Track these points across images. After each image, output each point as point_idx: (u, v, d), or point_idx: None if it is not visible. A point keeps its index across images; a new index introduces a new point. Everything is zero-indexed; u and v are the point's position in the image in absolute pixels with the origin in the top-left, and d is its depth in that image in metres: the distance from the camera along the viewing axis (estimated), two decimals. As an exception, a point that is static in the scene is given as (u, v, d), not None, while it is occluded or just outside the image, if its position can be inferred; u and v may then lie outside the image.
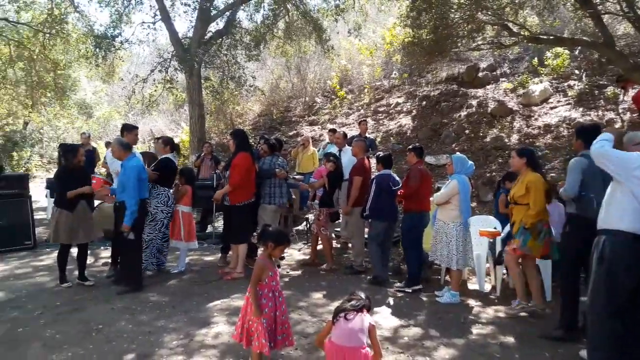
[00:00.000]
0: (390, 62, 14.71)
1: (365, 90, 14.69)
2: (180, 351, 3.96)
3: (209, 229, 8.95)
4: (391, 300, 5.43)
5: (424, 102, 12.56)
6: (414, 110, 12.57)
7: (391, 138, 11.71)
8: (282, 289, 3.66)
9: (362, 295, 3.42)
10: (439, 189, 6.57)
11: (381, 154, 6.44)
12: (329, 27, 13.56)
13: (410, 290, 5.70)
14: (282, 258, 7.13)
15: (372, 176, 6.44)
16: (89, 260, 6.40)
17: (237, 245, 6.31)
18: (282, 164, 6.67)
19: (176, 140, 16.48)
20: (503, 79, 12.65)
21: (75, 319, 4.66)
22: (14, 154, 19.90)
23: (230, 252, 6.67)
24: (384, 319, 4.78)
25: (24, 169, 19.16)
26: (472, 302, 5.42)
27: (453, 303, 5.33)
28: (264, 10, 13.18)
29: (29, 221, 7.75)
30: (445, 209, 5.52)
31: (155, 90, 13.86)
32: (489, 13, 9.17)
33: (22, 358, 3.81)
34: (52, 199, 10.09)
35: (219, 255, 7.02)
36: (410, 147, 6.28)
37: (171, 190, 6.37)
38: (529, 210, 4.78)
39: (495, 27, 9.88)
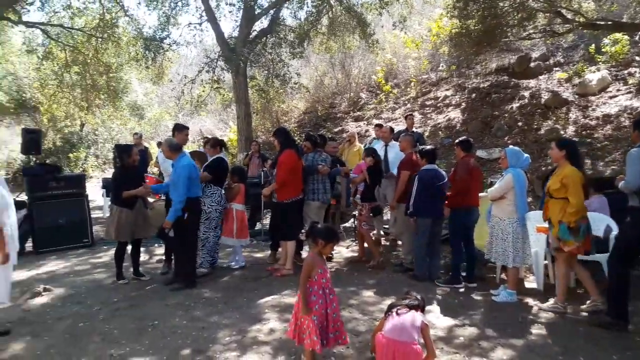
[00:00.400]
0: (437, 54, 14.39)
1: (412, 83, 14.44)
2: (233, 347, 3.99)
3: (258, 226, 9.03)
4: (445, 299, 5.28)
5: (474, 95, 12.21)
6: (463, 103, 12.26)
7: (440, 132, 11.46)
8: (334, 287, 3.62)
9: (418, 295, 3.38)
10: (492, 183, 6.36)
11: (425, 147, 6.24)
12: (373, 21, 13.38)
13: (448, 288, 5.59)
14: (331, 258, 7.07)
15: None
16: (144, 257, 6.58)
17: (286, 242, 6.33)
18: (324, 159, 6.62)
19: (224, 139, 16.84)
20: (557, 69, 12.14)
21: (131, 315, 4.79)
22: (71, 155, 20.78)
23: (279, 249, 6.70)
24: (437, 318, 4.66)
25: (80, 169, 19.98)
26: (530, 300, 5.20)
27: (510, 302, 5.14)
28: (308, 7, 13.18)
29: (86, 220, 8.04)
30: (500, 205, 5.30)
31: (204, 91, 14.12)
32: (541, 0, 8.80)
33: (83, 352, 3.94)
34: (108, 198, 10.53)
35: (269, 252, 7.06)
36: (457, 140, 6.10)
37: (223, 190, 6.44)
38: (568, 207, 4.59)
39: (548, 14, 9.49)
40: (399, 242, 7.44)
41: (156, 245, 7.71)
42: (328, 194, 6.64)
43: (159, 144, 11.23)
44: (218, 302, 5.14)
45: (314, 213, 6.44)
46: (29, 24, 14.46)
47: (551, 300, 4.92)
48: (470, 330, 4.37)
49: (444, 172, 6.14)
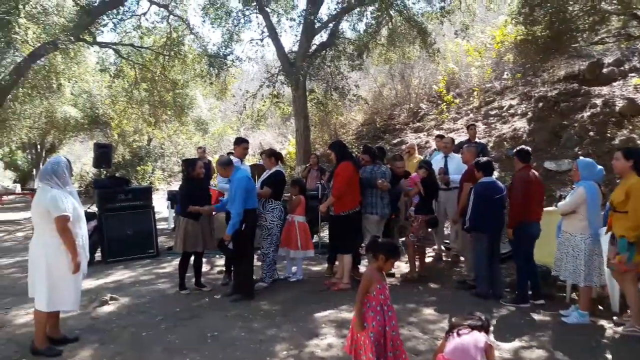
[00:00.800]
0: (502, 62, 13.91)
1: (475, 93, 14.03)
2: (290, 361, 3.96)
3: (315, 238, 8.99)
4: (510, 319, 5.01)
5: (541, 104, 11.67)
6: (529, 113, 11.74)
7: (505, 143, 11.02)
8: (392, 304, 3.50)
9: (482, 315, 3.21)
10: (561, 197, 6.01)
11: (481, 159, 5.93)
12: (434, 30, 13.15)
13: (513, 307, 5.31)
14: (393, 274, 6.91)
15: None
16: (205, 268, 6.71)
17: (342, 255, 6.25)
18: (384, 173, 6.46)
19: (283, 153, 17.06)
20: (632, 74, 11.38)
21: (192, 325, 4.86)
22: (139, 168, 21.78)
23: (336, 262, 6.62)
24: (502, 338, 4.41)
25: (147, 182, 20.86)
26: (604, 323, 4.83)
27: (582, 324, 4.78)
28: (367, 19, 13.17)
29: (152, 231, 8.32)
30: (571, 220, 4.96)
31: (264, 105, 14.39)
32: (614, 2, 8.32)
33: (147, 360, 4.04)
34: (173, 210, 10.90)
35: (326, 265, 7.00)
36: (514, 150, 5.80)
37: (282, 204, 6.40)
38: (627, 221, 4.28)
39: (622, 16, 8.95)
40: (462, 258, 7.17)
41: (217, 256, 7.84)
42: (387, 208, 6.46)
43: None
44: (276, 315, 5.13)
45: (373, 227, 6.31)
46: (102, 44, 15.37)
47: (628, 323, 4.54)
48: (538, 353, 4.11)
49: (502, 185, 5.86)
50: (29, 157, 31.73)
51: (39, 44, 12.36)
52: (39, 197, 4.17)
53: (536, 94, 12.31)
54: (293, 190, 6.66)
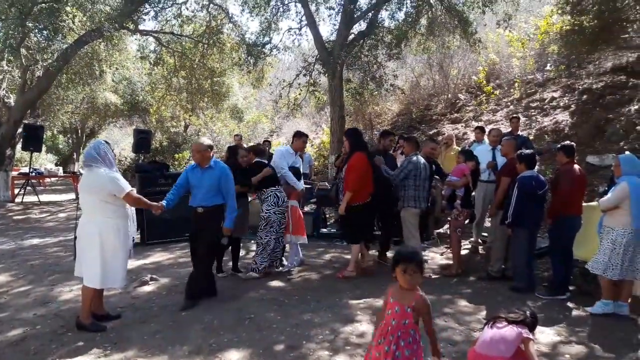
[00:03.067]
0: (545, 53, 13.48)
1: (516, 84, 13.67)
2: (326, 346, 3.99)
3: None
4: (547, 312, 4.92)
5: (585, 96, 11.29)
6: (572, 105, 11.38)
7: (546, 136, 10.72)
8: (426, 295, 3.13)
9: (527, 311, 3.14)
10: (605, 192, 5.85)
11: (523, 152, 5.80)
12: (475, 20, 12.82)
13: (547, 300, 5.31)
14: (425, 261, 6.90)
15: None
16: (241, 253, 6.80)
17: (352, 244, 6.28)
18: (425, 165, 6.35)
19: (317, 142, 17.08)
20: (684, 67, 10.89)
21: (229, 307, 4.96)
22: (176, 154, 22.20)
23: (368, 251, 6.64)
24: (540, 332, 4.31)
25: (184, 168, 21.22)
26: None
27: (608, 313, 4.78)
28: (407, 7, 12.97)
29: (189, 215, 8.47)
30: (613, 215, 4.87)
31: (299, 94, 14.40)
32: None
33: (186, 339, 4.14)
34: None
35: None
36: (559, 145, 5.71)
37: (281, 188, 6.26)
38: None
39: (676, 6, 8.55)
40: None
41: (252, 241, 7.95)
42: (425, 202, 6.38)
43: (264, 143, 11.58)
44: (311, 300, 5.18)
45: (412, 220, 6.27)
46: (143, 32, 15.67)
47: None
48: (577, 348, 4.05)
49: (544, 179, 5.75)
50: (70, 141, 32.74)
51: (83, 32, 12.71)
52: (90, 179, 4.30)
53: (580, 87, 11.91)
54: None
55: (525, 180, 5.56)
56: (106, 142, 4.53)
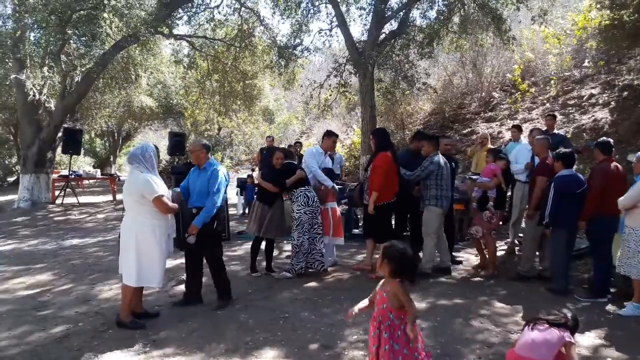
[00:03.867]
0: (583, 49, 13.12)
1: (552, 82, 13.34)
2: (360, 346, 3.98)
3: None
4: (587, 315, 4.78)
5: (626, 93, 10.93)
6: (612, 102, 11.04)
7: (584, 134, 10.44)
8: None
9: (568, 313, 3.06)
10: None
11: (560, 150, 5.66)
12: (509, 17, 12.55)
13: (587, 302, 5.16)
14: (460, 262, 6.83)
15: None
16: (274, 253, 6.85)
17: (371, 241, 6.32)
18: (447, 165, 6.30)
19: (347, 142, 17.05)
20: None
21: (264, 306, 5.01)
22: (209, 156, 22.49)
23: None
24: (581, 335, 4.20)
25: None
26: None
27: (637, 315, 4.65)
28: (438, 5, 12.81)
29: (224, 216, 8.60)
30: (634, 214, 4.80)
31: (330, 95, 14.42)
32: None
33: (223, 338, 4.20)
34: (242, 197, 11.23)
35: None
36: (595, 142, 5.55)
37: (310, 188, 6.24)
38: None
39: None
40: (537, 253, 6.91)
41: (285, 242, 8.00)
42: (448, 202, 6.33)
43: (289, 147, 11.68)
44: (345, 301, 5.16)
45: (435, 220, 6.20)
46: (177, 37, 15.96)
47: None
48: (619, 354, 3.90)
49: (582, 178, 5.58)
50: (107, 144, 33.63)
51: (120, 37, 13.04)
52: (130, 181, 4.48)
53: (620, 83, 11.56)
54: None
55: (563, 179, 5.43)
56: (155, 147, 4.66)
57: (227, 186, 5.19)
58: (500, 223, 6.72)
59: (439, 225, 6.25)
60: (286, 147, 12.64)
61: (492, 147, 9.11)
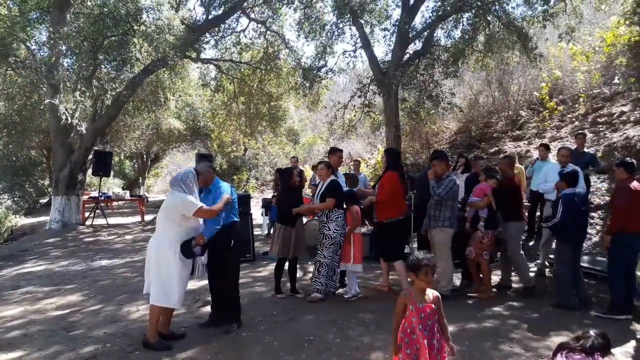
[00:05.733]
0: (612, 66, 12.85)
1: (581, 99, 13.10)
2: (387, 371, 3.91)
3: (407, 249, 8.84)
4: (613, 334, 4.63)
5: (658, 109, 10.68)
6: (644, 120, 10.77)
7: (615, 152, 10.17)
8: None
9: (598, 335, 2.94)
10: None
11: (565, 170, 6.07)
12: (535, 35, 12.42)
13: (606, 317, 5.25)
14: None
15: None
16: (298, 274, 6.82)
17: (393, 263, 6.29)
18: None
19: (372, 162, 17.01)
20: None
21: (289, 328, 4.98)
22: (235, 177, 22.74)
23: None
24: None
25: (243, 190, 21.72)
26: None
27: None
28: (463, 25, 12.78)
29: (249, 236, 8.63)
30: None
31: (355, 115, 14.45)
32: None
33: (248, 359, 4.17)
34: (267, 217, 11.25)
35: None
36: (619, 161, 5.67)
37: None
38: None
39: None
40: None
41: (309, 262, 7.96)
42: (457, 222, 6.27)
43: (314, 167, 11.73)
44: (370, 324, 5.10)
45: (445, 240, 6.13)
46: (204, 61, 16.33)
47: None
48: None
49: (584, 195, 5.93)
50: (135, 165, 34.29)
51: (149, 61, 13.40)
52: (167, 199, 4.67)
53: (652, 100, 11.28)
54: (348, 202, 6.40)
55: (568, 197, 5.67)
56: (196, 171, 4.75)
57: (235, 201, 5.21)
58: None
59: (448, 246, 6.20)
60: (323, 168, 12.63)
61: (521, 166, 8.98)
